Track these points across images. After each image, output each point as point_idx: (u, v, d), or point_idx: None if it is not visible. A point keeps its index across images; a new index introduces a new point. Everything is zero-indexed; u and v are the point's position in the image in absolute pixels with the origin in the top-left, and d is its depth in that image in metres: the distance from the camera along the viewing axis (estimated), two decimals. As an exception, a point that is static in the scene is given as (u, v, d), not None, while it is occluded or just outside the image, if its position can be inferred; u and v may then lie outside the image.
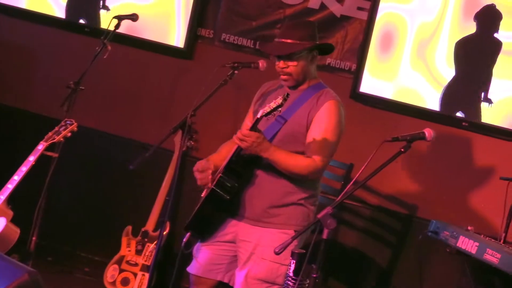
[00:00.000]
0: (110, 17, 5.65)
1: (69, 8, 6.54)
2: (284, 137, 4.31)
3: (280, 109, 4.06)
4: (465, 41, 5.75)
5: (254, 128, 4.13)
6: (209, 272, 4.47)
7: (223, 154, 4.47)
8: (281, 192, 4.31)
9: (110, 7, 6.43)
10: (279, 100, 4.03)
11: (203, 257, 4.46)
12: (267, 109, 4.07)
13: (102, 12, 6.46)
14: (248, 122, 4.50)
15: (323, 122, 4.26)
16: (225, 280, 4.47)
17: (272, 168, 4.25)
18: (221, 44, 6.25)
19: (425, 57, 5.82)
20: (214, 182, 4.25)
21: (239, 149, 4.23)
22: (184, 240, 4.46)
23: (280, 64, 4.32)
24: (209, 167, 4.34)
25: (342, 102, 4.38)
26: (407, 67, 5.85)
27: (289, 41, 4.30)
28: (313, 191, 4.40)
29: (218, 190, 4.25)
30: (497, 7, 5.68)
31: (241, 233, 4.36)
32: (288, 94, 4.06)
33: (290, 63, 4.29)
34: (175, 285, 5.48)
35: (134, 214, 6.18)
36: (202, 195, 4.41)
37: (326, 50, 4.59)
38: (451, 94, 5.79)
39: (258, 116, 4.10)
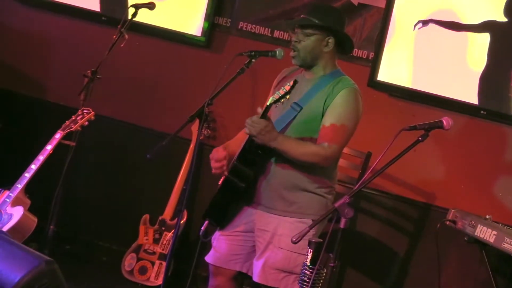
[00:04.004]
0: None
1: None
2: (300, 124, 4.29)
3: (288, 96, 4.06)
4: (496, 26, 5.67)
5: (263, 115, 4.12)
6: (228, 263, 4.46)
7: (240, 140, 4.45)
8: (295, 179, 4.28)
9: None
10: (287, 87, 4.04)
11: (222, 248, 4.46)
12: (276, 96, 4.08)
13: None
14: None
15: (337, 109, 4.23)
16: (244, 270, 4.47)
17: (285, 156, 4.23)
18: (239, 32, 6.23)
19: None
20: (229, 170, 4.25)
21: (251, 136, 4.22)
22: (202, 228, 4.46)
23: (293, 37, 4.33)
24: (224, 157, 4.32)
25: (360, 90, 4.35)
26: (426, 53, 5.80)
27: (309, 17, 4.30)
28: (329, 180, 4.38)
29: (233, 178, 4.25)
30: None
31: (259, 222, 4.35)
32: (296, 81, 4.07)
33: (301, 38, 4.28)
34: (194, 274, 5.49)
35: (152, 203, 6.19)
36: (219, 183, 4.41)
37: (344, 43, 4.42)
38: (484, 84, 5.69)
39: (267, 103, 4.10)
